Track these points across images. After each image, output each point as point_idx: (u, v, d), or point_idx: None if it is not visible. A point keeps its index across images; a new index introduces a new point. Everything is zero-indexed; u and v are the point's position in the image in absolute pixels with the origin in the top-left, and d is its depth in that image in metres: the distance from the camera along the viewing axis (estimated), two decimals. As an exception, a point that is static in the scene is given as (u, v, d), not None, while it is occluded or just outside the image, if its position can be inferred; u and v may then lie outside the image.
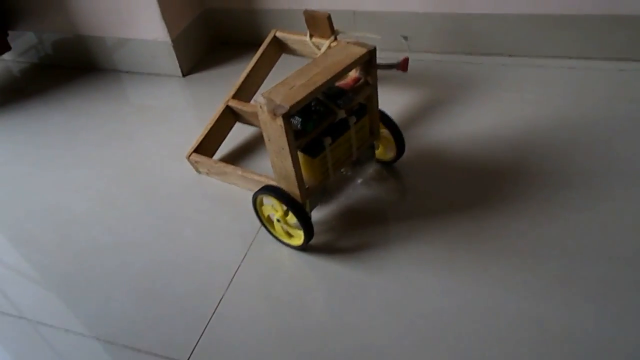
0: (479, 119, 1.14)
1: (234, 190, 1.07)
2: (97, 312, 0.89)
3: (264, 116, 0.75)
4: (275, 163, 0.83)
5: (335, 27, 1.09)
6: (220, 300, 0.86)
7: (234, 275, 0.90)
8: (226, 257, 0.94)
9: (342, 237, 0.93)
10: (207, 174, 1.11)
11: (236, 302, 0.86)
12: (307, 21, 1.10)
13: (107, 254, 0.99)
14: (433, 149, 1.09)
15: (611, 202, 0.91)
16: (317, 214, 0.98)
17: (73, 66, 1.59)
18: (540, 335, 0.74)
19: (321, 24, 1.08)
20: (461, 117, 1.16)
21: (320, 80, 0.75)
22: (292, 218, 0.87)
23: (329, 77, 0.76)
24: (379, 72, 0.86)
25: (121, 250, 0.99)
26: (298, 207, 0.85)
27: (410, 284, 0.84)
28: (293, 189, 0.85)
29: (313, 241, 0.92)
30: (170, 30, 1.40)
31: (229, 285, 0.89)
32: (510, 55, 1.33)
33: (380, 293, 0.83)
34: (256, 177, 1.00)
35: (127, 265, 0.96)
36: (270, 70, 1.20)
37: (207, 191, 1.09)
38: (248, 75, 1.15)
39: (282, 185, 0.87)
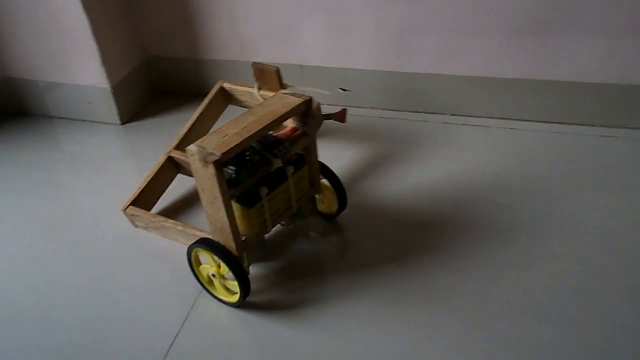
0: (423, 176, 1.18)
1: (175, 247, 1.03)
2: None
3: (196, 165, 0.75)
4: (210, 214, 0.83)
5: (284, 81, 1.13)
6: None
7: (173, 342, 0.85)
8: (165, 321, 0.89)
9: (284, 294, 0.92)
10: (144, 228, 1.09)
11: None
12: (255, 74, 1.13)
13: (30, 320, 0.91)
14: (377, 205, 1.11)
15: (553, 262, 0.95)
16: (256, 269, 0.97)
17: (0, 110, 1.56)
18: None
19: (270, 77, 1.11)
20: (406, 173, 1.20)
21: (254, 128, 0.77)
22: (227, 272, 0.86)
23: (263, 125, 0.78)
24: (322, 126, 0.89)
25: (46, 314, 0.92)
26: (234, 261, 0.84)
27: (354, 343, 0.83)
28: (229, 242, 0.84)
29: (254, 298, 0.91)
30: (110, 77, 1.41)
31: (168, 353, 0.84)
32: (453, 114, 1.40)
33: (324, 354, 0.82)
34: (198, 233, 0.98)
35: (52, 332, 0.89)
36: (215, 122, 1.22)
37: (146, 248, 1.05)
38: (192, 126, 1.16)
39: (218, 239, 0.86)
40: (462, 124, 1.36)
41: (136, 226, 1.10)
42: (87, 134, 1.45)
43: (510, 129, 1.33)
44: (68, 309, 0.93)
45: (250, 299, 0.91)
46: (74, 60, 1.39)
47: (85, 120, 1.50)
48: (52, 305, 0.94)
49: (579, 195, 1.10)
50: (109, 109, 1.46)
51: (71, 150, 1.39)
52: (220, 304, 0.91)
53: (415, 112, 1.43)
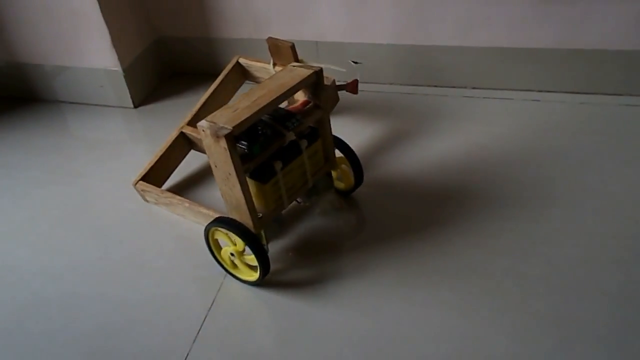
0: (445, 151, 1.23)
1: (198, 231, 1.05)
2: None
3: (207, 140, 0.82)
4: (225, 192, 0.89)
5: (300, 56, 1.18)
6: (186, 358, 0.86)
7: (199, 329, 0.90)
8: (191, 308, 0.94)
9: (305, 272, 0.98)
10: (155, 203, 1.17)
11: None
12: (270, 49, 1.19)
13: (52, 310, 0.96)
14: (397, 180, 1.16)
15: (585, 236, 0.99)
16: (275, 247, 1.03)
17: (9, 96, 1.64)
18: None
19: (285, 52, 1.17)
20: (426, 149, 1.25)
21: (264, 101, 0.83)
22: (244, 249, 0.92)
23: (273, 98, 0.83)
24: (340, 102, 0.94)
25: (68, 304, 0.97)
26: (253, 239, 0.89)
27: (377, 315, 0.89)
28: (245, 219, 0.90)
29: (278, 277, 0.96)
30: (121, 59, 1.48)
31: (195, 340, 0.88)
32: (474, 88, 1.44)
33: (348, 332, 0.88)
34: (203, 210, 1.05)
35: (75, 322, 0.93)
36: (230, 98, 1.28)
37: (167, 233, 1.11)
38: (206, 102, 1.22)
39: (235, 216, 0.92)
40: (483, 97, 1.41)
41: (147, 201, 1.17)
42: (99, 118, 1.53)
43: (534, 100, 1.37)
44: (91, 296, 0.98)
45: (273, 278, 0.97)
46: (84, 42, 1.47)
47: (96, 105, 1.58)
48: (75, 293, 0.99)
49: (607, 167, 1.13)
50: (120, 92, 1.54)
51: (84, 135, 1.47)
52: (244, 286, 0.97)
53: (435, 86, 1.47)
